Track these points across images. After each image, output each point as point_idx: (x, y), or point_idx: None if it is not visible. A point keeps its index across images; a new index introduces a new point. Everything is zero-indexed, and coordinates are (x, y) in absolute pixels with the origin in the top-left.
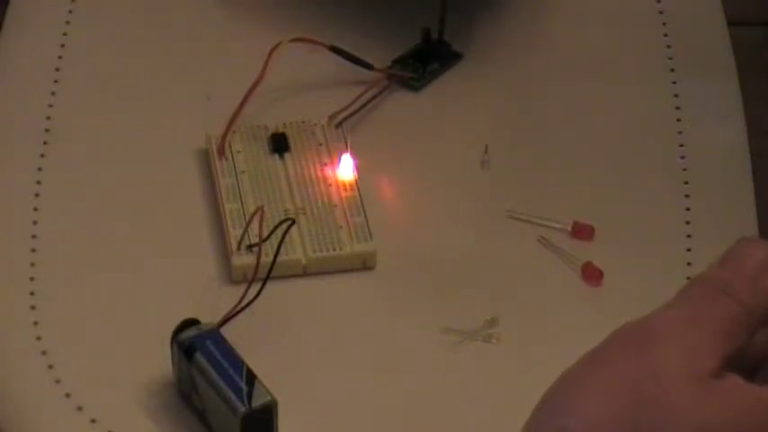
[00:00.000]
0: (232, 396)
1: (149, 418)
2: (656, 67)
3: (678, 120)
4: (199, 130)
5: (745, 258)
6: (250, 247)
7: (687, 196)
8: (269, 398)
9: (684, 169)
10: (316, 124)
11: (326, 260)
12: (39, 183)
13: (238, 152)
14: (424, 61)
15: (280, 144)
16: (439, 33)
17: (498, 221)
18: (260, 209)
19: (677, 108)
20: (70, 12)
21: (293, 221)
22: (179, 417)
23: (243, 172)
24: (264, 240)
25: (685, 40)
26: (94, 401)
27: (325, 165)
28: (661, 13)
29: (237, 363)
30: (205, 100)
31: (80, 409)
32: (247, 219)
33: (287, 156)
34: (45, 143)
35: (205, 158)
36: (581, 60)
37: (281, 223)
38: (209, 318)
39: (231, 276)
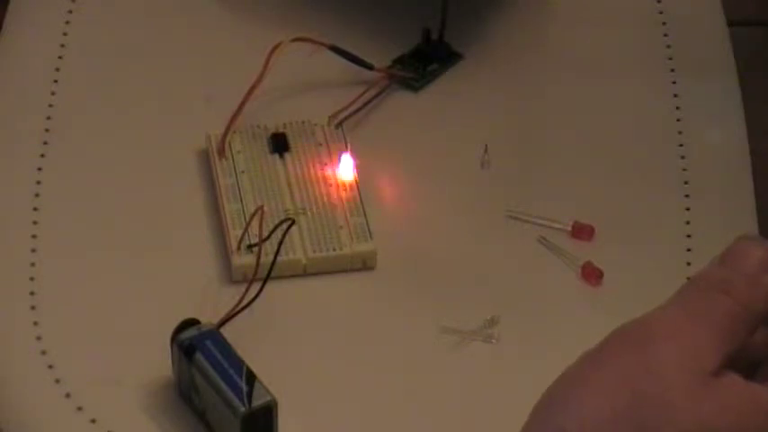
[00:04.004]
0: (232, 396)
1: (149, 418)
2: (656, 67)
3: (678, 120)
4: (199, 130)
5: (744, 257)
6: (250, 247)
7: (687, 196)
8: (269, 398)
9: (684, 169)
10: (316, 124)
11: (326, 260)
12: (39, 183)
13: (238, 152)
14: (424, 61)
15: (280, 144)
16: (439, 33)
17: (498, 221)
18: (260, 209)
19: (677, 108)
20: (70, 12)
21: (293, 221)
22: (179, 417)
23: (243, 172)
24: (264, 240)
25: (685, 40)
26: (94, 401)
27: (325, 165)
28: (661, 13)
29: (237, 363)
30: (205, 100)
31: (80, 409)
32: (247, 219)
33: (287, 156)
34: (45, 143)
35: (205, 158)
36: (581, 60)
37: (281, 223)
38: (209, 318)
39: (231, 276)
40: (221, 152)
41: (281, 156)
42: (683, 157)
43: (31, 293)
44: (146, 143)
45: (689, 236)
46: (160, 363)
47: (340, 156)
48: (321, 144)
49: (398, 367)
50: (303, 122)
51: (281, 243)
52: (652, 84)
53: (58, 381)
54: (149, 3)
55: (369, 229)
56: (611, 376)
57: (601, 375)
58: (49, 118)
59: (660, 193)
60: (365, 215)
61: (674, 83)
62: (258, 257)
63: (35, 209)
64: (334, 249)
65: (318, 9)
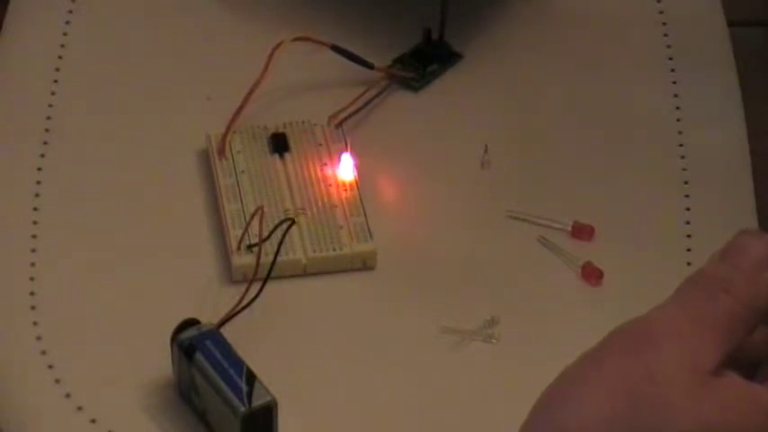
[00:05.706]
0: (232, 396)
1: (149, 418)
2: (656, 67)
3: (678, 120)
4: (199, 130)
5: (744, 253)
6: (250, 247)
7: (687, 196)
8: (269, 398)
9: (684, 169)
10: (316, 124)
11: (326, 260)
12: (39, 183)
13: (238, 152)
14: (424, 61)
15: (280, 144)
16: (439, 33)
17: (498, 221)
18: (260, 209)
19: (677, 108)
20: (70, 12)
21: (293, 221)
22: (179, 417)
23: (243, 172)
24: (264, 240)
25: (685, 40)
26: (94, 401)
27: (325, 165)
28: (661, 13)
29: (237, 363)
30: (205, 100)
31: (80, 409)
32: (247, 219)
33: (287, 156)
34: (45, 143)
35: (205, 158)
36: (581, 60)
37: (281, 223)
38: (209, 318)
39: (231, 276)
40: (221, 152)
41: (281, 156)
42: (683, 157)
43: (31, 293)
44: (146, 143)
45: (689, 236)
46: (160, 363)
47: (340, 156)
48: (321, 144)
49: (398, 367)
50: (303, 122)
51: (281, 243)
52: (652, 84)
53: (58, 381)
54: (149, 3)
55: (369, 229)
56: (611, 376)
57: (600, 375)
58: (49, 118)
59: (660, 193)
60: (365, 215)
61: (674, 83)
62: (258, 257)
63: (35, 209)
64: (334, 249)
65: (318, 9)
